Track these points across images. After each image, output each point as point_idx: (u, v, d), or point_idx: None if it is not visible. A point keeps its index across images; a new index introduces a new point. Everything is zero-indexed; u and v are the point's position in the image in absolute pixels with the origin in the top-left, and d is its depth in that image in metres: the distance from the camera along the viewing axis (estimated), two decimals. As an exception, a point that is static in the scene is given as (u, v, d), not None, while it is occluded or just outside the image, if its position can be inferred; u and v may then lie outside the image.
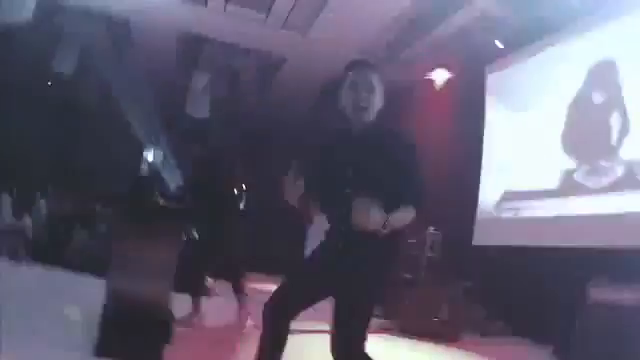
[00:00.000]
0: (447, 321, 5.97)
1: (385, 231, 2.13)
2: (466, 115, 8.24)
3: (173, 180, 9.55)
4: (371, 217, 2.09)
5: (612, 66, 6.08)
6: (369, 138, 2.37)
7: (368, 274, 2.24)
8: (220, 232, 4.84)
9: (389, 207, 2.15)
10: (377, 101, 2.41)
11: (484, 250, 7.40)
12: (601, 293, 4.81)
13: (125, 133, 11.55)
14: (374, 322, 6.16)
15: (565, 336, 5.00)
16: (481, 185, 7.94)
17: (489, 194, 7.76)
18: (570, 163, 6.48)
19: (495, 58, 7.98)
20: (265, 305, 2.32)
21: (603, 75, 6.20)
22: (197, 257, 4.87)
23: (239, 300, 4.90)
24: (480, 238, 7.68)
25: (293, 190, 2.31)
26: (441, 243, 7.59)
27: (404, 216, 2.24)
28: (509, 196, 7.36)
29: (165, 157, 12.26)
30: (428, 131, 8.64)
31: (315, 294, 2.37)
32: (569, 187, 6.42)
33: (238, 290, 4.94)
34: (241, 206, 5.28)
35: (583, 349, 4.66)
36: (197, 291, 4.87)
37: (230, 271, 5.00)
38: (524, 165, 7.21)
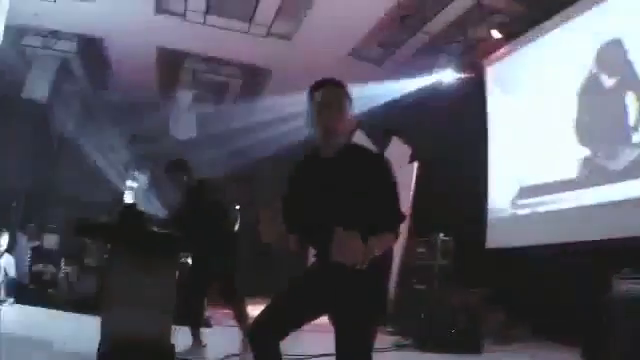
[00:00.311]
0: (466, 331, 5.93)
1: (364, 265, 2.12)
2: (468, 112, 8.27)
3: (159, 205, 9.52)
4: (351, 251, 2.09)
5: (619, 45, 6.07)
6: (341, 162, 2.37)
7: (362, 292, 2.24)
8: (216, 257, 4.83)
9: (366, 233, 2.16)
10: (347, 122, 2.40)
11: (499, 252, 7.39)
12: (627, 285, 4.80)
13: (105, 160, 11.56)
14: (389, 339, 6.16)
15: (593, 334, 4.98)
16: (492, 184, 7.94)
17: (501, 192, 7.76)
18: (586, 151, 6.47)
19: (493, 49, 8.01)
20: (251, 327, 2.34)
21: (611, 56, 6.19)
22: (195, 285, 4.87)
23: (243, 329, 4.85)
24: (494, 240, 7.67)
25: (272, 229, 2.29)
26: (453, 249, 7.58)
27: (381, 243, 2.24)
28: (524, 192, 7.34)
29: (150, 181, 12.23)
30: (428, 132, 8.70)
31: (303, 314, 2.38)
32: (586, 176, 6.41)
33: (241, 319, 4.89)
34: (235, 228, 5.26)
35: (610, 345, 4.65)
36: (197, 322, 4.85)
37: (231, 297, 4.97)
38: (537, 158, 7.19)
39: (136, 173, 11.70)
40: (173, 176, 4.99)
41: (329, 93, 2.39)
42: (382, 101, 9.11)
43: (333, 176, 2.36)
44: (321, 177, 2.40)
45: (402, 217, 2.36)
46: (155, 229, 4.07)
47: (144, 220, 3.98)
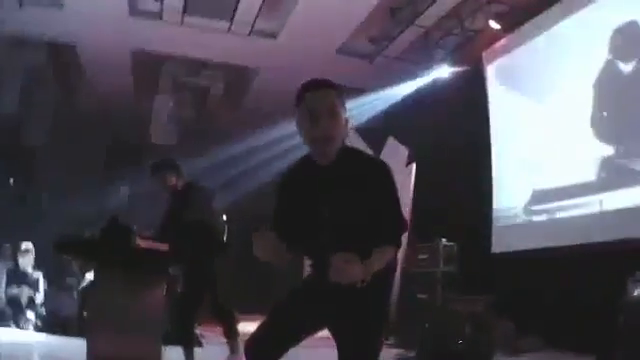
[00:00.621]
0: (474, 342, 5.97)
1: (364, 284, 2.12)
2: (468, 109, 8.33)
3: (143, 218, 9.46)
4: (349, 275, 2.07)
5: (634, 27, 5.97)
6: (338, 170, 2.34)
7: (364, 303, 2.24)
8: (206, 270, 4.85)
9: (366, 248, 2.17)
10: (342, 128, 2.35)
11: (506, 258, 7.41)
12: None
13: (83, 171, 11.56)
14: (390, 352, 6.17)
15: (607, 341, 5.04)
16: (497, 186, 7.94)
17: (509, 195, 7.76)
18: (605, 149, 6.35)
19: (492, 41, 8.06)
20: (247, 344, 2.32)
21: (626, 38, 6.08)
22: (185, 302, 4.87)
23: (232, 350, 4.87)
24: (501, 245, 7.66)
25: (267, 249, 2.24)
26: (456, 255, 7.62)
27: (383, 257, 2.25)
28: (538, 196, 7.26)
29: (131, 193, 12.21)
30: (426, 131, 8.74)
31: (302, 328, 2.38)
32: (605, 177, 6.32)
33: (231, 336, 4.90)
34: (224, 238, 5.30)
35: (626, 349, 4.71)
36: (189, 341, 4.82)
37: (220, 312, 4.99)
38: (550, 160, 7.10)
39: (119, 183, 11.71)
40: (163, 175, 4.98)
41: (320, 97, 2.33)
42: (381, 108, 9.21)
43: (329, 185, 2.34)
44: (316, 186, 2.38)
45: (405, 227, 2.37)
46: (140, 243, 4.09)
47: (130, 234, 3.99)
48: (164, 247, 4.22)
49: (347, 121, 2.39)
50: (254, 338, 2.32)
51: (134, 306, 3.68)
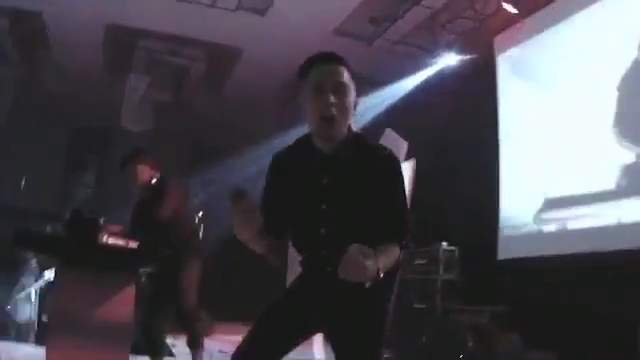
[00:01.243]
0: (476, 357, 5.97)
1: (373, 283, 2.05)
2: (477, 103, 8.29)
3: (111, 211, 9.42)
4: (363, 272, 1.98)
5: None
6: (340, 159, 2.31)
7: (365, 309, 2.23)
8: (177, 271, 4.80)
9: (367, 246, 2.12)
10: (350, 107, 2.32)
11: (513, 264, 7.37)
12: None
13: (44, 157, 11.45)
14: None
15: (628, 356, 5.04)
16: (505, 187, 7.88)
17: (517, 199, 7.70)
18: (629, 155, 6.27)
19: (506, 27, 7.98)
20: (234, 356, 2.28)
21: None
22: (155, 307, 4.84)
23: (194, 357, 4.90)
24: (507, 250, 7.62)
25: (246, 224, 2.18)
26: (458, 261, 7.60)
27: (390, 258, 2.19)
28: (550, 204, 7.18)
29: (97, 184, 12.15)
30: (428, 125, 8.71)
31: (294, 337, 2.34)
32: (628, 185, 6.23)
33: (194, 345, 4.89)
34: (200, 236, 5.28)
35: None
36: (157, 350, 4.82)
37: (185, 320, 4.93)
38: (567, 163, 6.99)
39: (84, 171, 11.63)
40: (134, 169, 4.93)
41: (328, 71, 2.30)
42: (385, 105, 9.18)
43: (329, 173, 2.30)
44: (314, 172, 2.33)
45: (411, 227, 2.33)
46: (109, 239, 4.01)
47: (97, 229, 3.92)
48: (134, 244, 4.16)
49: (356, 102, 2.36)
50: (242, 348, 2.28)
51: (100, 310, 3.62)
